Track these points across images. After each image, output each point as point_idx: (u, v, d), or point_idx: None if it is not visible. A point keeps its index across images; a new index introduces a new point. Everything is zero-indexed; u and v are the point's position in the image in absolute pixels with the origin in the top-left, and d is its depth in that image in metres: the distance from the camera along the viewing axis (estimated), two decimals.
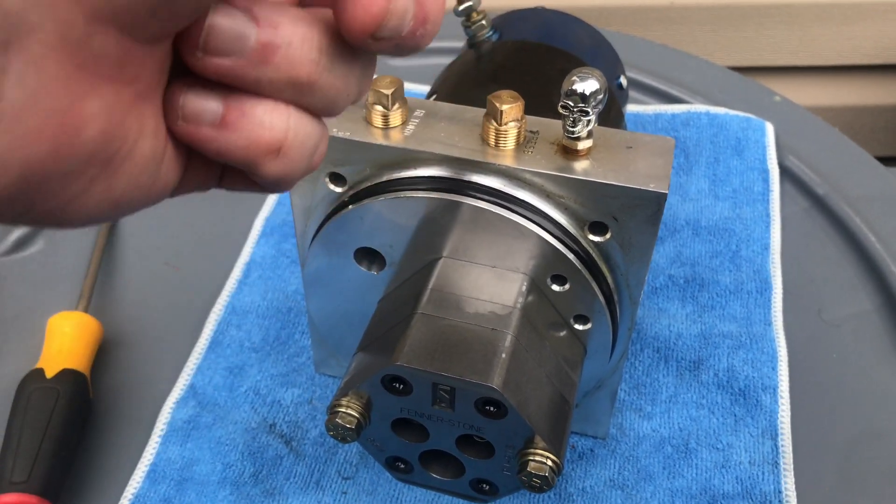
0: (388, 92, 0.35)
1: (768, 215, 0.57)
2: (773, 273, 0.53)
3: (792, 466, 0.44)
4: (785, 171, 0.61)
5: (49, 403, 0.43)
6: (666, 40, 0.80)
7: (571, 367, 0.38)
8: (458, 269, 0.37)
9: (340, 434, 0.35)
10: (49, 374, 0.45)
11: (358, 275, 0.40)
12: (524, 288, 0.36)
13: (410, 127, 0.37)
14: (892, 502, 0.43)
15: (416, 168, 0.36)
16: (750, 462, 0.44)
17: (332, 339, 0.45)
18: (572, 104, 0.33)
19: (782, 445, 0.44)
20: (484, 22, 0.48)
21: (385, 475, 0.44)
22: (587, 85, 0.33)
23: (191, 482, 0.44)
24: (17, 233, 0.57)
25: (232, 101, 0.20)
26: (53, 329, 0.48)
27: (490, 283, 0.37)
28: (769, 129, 0.63)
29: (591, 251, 0.36)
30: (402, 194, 0.36)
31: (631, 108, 0.65)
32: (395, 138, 0.36)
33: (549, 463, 0.33)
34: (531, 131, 0.36)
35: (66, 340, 0.47)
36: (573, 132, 0.34)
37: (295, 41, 0.20)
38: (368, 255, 0.39)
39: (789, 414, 0.46)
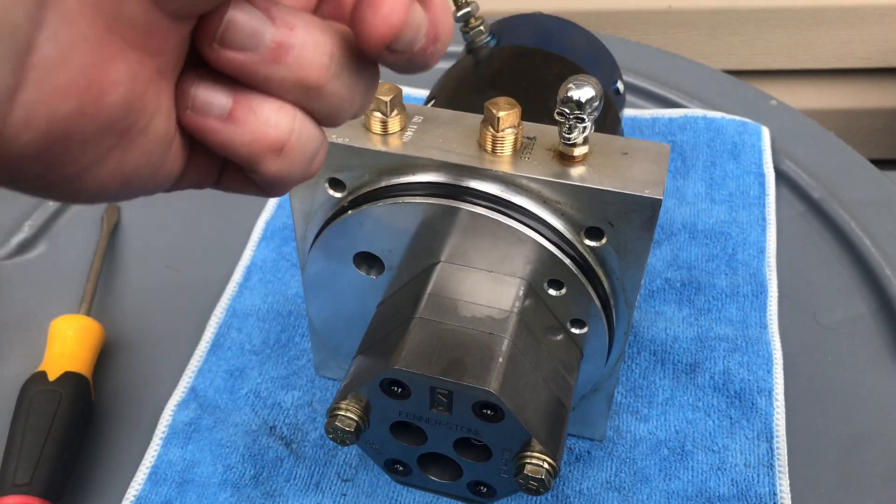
0: (387, 99, 0.36)
1: (764, 219, 0.57)
2: (768, 276, 0.53)
3: (787, 469, 0.44)
4: (781, 175, 0.61)
5: (51, 406, 0.44)
6: (663, 45, 0.81)
7: (568, 371, 0.38)
8: (455, 274, 0.38)
9: (340, 437, 0.35)
10: (51, 376, 0.45)
11: (357, 279, 0.40)
12: (521, 292, 0.37)
13: (409, 133, 0.37)
14: None
15: (414, 174, 0.36)
16: (745, 464, 0.44)
17: (332, 342, 0.45)
18: (568, 111, 0.34)
19: (777, 448, 0.45)
20: (482, 27, 0.48)
21: (384, 477, 0.44)
22: (583, 92, 0.33)
23: (192, 484, 0.44)
24: (20, 236, 0.58)
25: (241, 96, 0.21)
26: (55, 332, 0.48)
27: (487, 287, 0.37)
28: (765, 133, 0.63)
29: (587, 256, 0.36)
30: (400, 200, 0.36)
31: (628, 112, 0.65)
32: (394, 144, 0.36)
33: (546, 466, 0.34)
34: (528, 137, 0.36)
35: (68, 343, 0.48)
36: (569, 139, 0.34)
37: (308, 44, 0.21)
38: (367, 260, 0.40)
39: (784, 417, 0.46)
